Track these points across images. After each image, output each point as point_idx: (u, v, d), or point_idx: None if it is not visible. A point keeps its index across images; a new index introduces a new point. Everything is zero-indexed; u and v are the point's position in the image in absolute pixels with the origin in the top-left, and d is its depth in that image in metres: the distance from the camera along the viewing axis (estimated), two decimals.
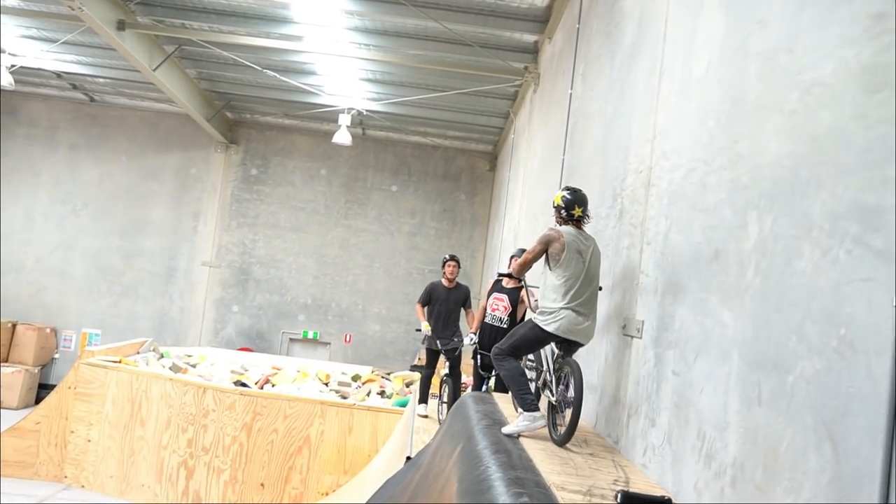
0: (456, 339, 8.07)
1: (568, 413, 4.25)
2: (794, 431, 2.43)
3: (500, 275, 6.43)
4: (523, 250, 7.81)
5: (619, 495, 2.60)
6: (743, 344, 2.92)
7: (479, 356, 7.26)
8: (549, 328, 4.39)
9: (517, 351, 4.59)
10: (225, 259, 18.13)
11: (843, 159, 2.38)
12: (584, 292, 4.44)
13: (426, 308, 8.27)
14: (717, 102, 3.53)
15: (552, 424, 4.42)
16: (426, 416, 8.12)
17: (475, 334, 7.36)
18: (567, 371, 4.39)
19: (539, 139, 10.09)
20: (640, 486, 3.47)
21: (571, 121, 7.57)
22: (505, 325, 7.18)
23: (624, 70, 5.53)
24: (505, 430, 4.34)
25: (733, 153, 3.28)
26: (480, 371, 7.30)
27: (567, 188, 4.83)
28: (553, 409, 4.48)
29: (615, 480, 3.56)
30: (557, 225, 4.70)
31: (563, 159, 7.66)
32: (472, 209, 18.33)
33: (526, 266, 4.77)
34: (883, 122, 2.19)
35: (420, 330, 8.17)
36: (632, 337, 4.40)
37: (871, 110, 2.26)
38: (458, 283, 8.42)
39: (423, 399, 8.36)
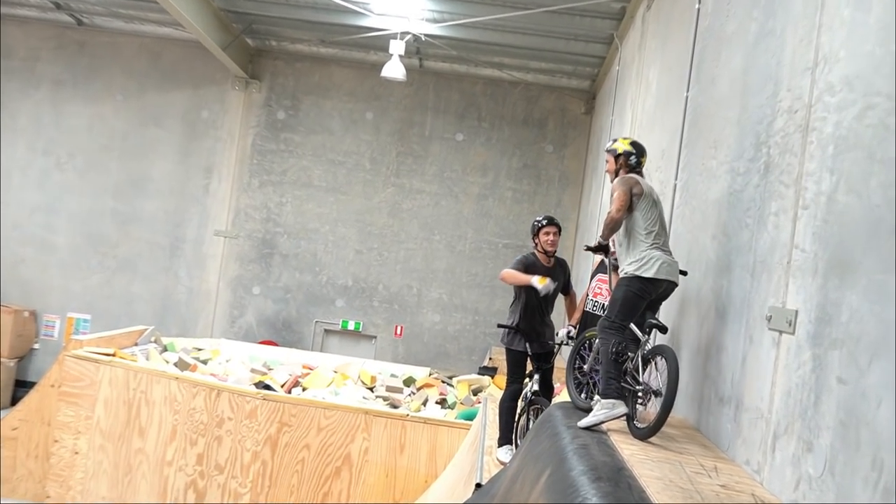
0: (551, 343, 7.36)
1: (652, 404, 4.84)
2: None
3: (587, 248, 6.37)
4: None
5: None
6: None
7: None
8: (649, 273, 5.15)
9: (626, 316, 5.19)
10: (244, 227, 18.46)
11: None
12: (662, 236, 5.39)
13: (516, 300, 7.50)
14: None
15: (630, 416, 4.97)
16: None
17: (574, 327, 7.02)
18: (659, 357, 4.92)
19: (654, 71, 9.90)
20: None
21: (699, 46, 7.41)
22: None
23: None
24: (581, 423, 4.95)
25: None
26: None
27: (625, 138, 5.84)
28: (634, 400, 5.01)
29: None
30: (613, 175, 5.64)
31: (687, 97, 7.51)
32: (562, 164, 18.17)
33: (617, 223, 5.34)
34: None
35: (513, 327, 7.24)
36: (780, 332, 4.28)
37: None
38: (556, 259, 7.70)
39: (508, 437, 7.33)
